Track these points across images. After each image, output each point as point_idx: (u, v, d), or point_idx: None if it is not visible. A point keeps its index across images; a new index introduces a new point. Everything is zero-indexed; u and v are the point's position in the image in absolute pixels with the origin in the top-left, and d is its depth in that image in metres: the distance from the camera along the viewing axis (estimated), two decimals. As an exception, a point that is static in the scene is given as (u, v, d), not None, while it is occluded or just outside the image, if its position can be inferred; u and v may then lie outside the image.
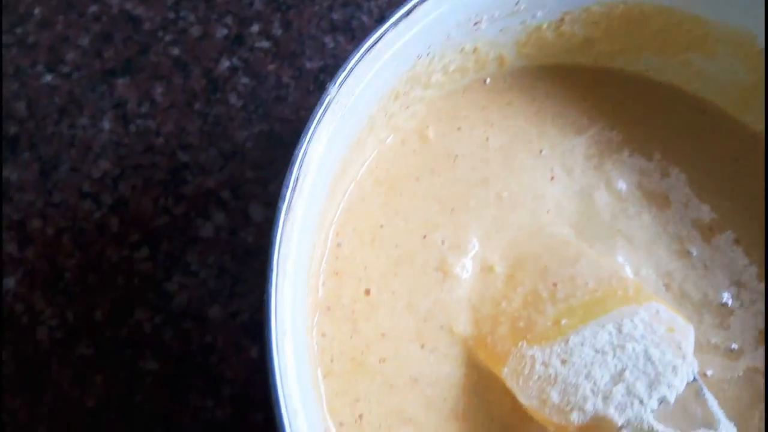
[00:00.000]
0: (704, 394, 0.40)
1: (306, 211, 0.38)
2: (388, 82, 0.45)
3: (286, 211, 0.36)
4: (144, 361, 0.52)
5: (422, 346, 0.46)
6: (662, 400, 0.40)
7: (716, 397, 0.43)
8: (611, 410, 0.40)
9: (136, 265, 0.54)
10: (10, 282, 0.53)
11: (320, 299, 0.46)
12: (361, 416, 0.44)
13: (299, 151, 0.37)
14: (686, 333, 0.42)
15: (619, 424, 0.39)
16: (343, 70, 0.39)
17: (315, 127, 0.38)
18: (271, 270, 0.34)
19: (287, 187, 0.36)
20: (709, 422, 0.39)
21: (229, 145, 0.58)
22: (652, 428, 0.39)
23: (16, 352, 0.51)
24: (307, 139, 0.37)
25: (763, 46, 0.48)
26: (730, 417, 0.41)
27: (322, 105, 0.38)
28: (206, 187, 0.56)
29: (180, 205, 0.56)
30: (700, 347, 0.46)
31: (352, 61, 0.40)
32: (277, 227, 0.36)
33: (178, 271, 0.54)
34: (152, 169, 0.57)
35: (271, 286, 0.34)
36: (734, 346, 0.47)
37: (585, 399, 0.40)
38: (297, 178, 0.36)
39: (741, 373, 0.46)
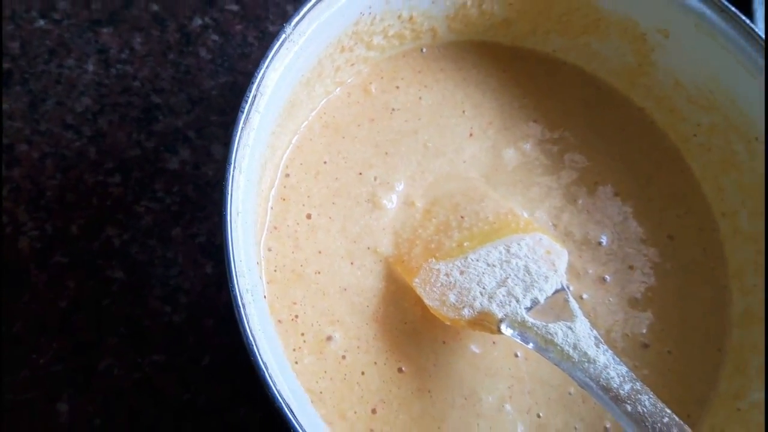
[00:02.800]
0: (568, 298, 0.48)
1: (260, 125, 0.44)
2: (335, 31, 0.51)
3: (244, 121, 0.42)
4: (112, 270, 0.57)
5: (351, 263, 0.52)
6: (534, 301, 0.48)
7: (588, 315, 0.51)
8: (494, 307, 0.48)
9: (110, 189, 0.60)
10: (-4, 198, 0.58)
11: (268, 220, 0.52)
12: (297, 316, 0.50)
13: (258, 73, 0.43)
14: (560, 255, 0.50)
15: (499, 316, 0.47)
16: (297, 14, 0.45)
17: (272, 57, 0.44)
18: (230, 164, 0.40)
19: (246, 102, 0.42)
20: (569, 317, 0.47)
21: (197, 92, 0.64)
22: (525, 320, 0.47)
23: (-2, 259, 0.56)
24: (266, 65, 0.43)
25: (644, 30, 0.56)
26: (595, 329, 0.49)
27: (279, 39, 0.44)
28: (175, 126, 0.62)
29: (151, 140, 0.62)
30: (578, 276, 0.55)
31: (305, 8, 0.46)
32: (237, 131, 0.41)
33: (146, 197, 0.60)
34: (128, 107, 0.63)
35: (229, 175, 0.40)
36: (607, 277, 0.55)
37: (474, 299, 0.48)
38: (255, 96, 0.42)
39: (611, 299, 0.55)
